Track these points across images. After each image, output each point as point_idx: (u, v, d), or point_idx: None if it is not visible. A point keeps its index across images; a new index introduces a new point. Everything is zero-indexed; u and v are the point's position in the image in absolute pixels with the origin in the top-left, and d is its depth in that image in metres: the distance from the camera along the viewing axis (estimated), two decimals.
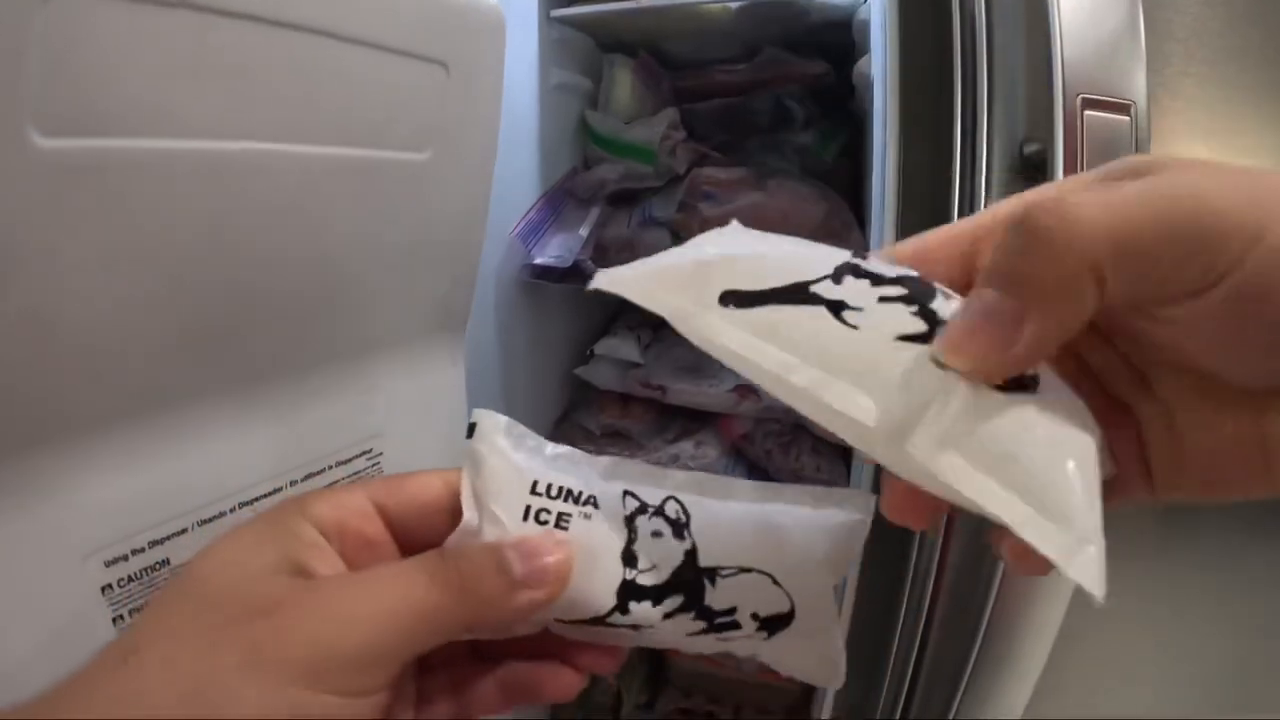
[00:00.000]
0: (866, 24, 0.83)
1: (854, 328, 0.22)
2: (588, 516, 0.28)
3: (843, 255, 0.25)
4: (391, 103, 0.45)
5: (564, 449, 0.30)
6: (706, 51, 1.20)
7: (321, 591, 0.25)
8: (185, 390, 0.41)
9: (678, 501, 0.29)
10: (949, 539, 0.57)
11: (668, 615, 0.28)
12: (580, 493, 0.29)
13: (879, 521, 0.69)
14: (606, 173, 1.10)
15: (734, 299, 0.23)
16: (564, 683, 0.30)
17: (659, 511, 0.29)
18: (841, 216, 1.04)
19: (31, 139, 0.28)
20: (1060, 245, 0.19)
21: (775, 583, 0.29)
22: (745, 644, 0.30)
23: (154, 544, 0.40)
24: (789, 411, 1.05)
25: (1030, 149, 0.46)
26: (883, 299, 0.23)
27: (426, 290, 0.55)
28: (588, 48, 1.14)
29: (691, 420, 1.08)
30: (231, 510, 0.44)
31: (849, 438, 0.22)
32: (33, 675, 0.25)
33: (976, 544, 0.55)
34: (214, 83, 0.35)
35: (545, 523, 0.28)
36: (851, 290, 0.23)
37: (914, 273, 0.24)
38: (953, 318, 0.22)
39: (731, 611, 0.29)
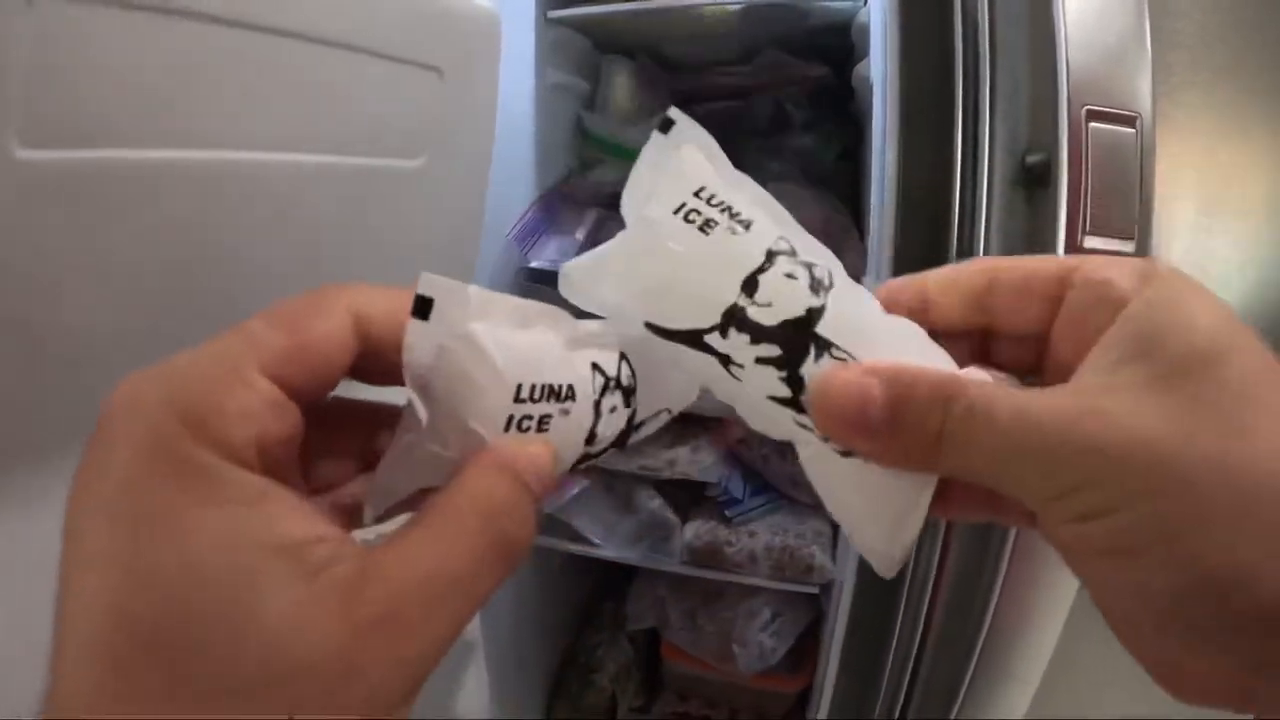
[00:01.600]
0: (866, 27, 0.82)
1: (738, 380, 0.27)
2: (566, 413, 0.27)
3: (738, 279, 0.27)
4: (385, 109, 0.45)
5: (518, 305, 0.26)
6: (705, 54, 1.19)
7: (367, 596, 0.19)
8: None
9: (628, 363, 0.29)
10: (947, 548, 0.57)
11: (613, 444, 0.30)
12: (561, 387, 0.26)
13: None
14: (603, 175, 1.10)
15: (653, 329, 0.27)
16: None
17: (617, 384, 0.29)
18: (840, 221, 1.03)
19: (13, 151, 0.28)
20: (949, 453, 0.22)
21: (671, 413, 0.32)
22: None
23: None
24: None
25: (1033, 159, 0.45)
26: (759, 360, 0.26)
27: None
28: (585, 49, 1.13)
29: (687, 426, 1.07)
30: None
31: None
32: (29, 692, 0.24)
33: (974, 553, 0.55)
34: (203, 92, 0.35)
35: (526, 429, 0.25)
36: (735, 346, 0.26)
37: (799, 309, 0.26)
38: (826, 390, 0.25)
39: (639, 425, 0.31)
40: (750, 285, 0.27)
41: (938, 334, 0.27)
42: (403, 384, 0.22)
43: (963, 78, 0.52)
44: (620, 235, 0.29)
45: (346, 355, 0.22)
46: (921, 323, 0.27)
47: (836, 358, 0.26)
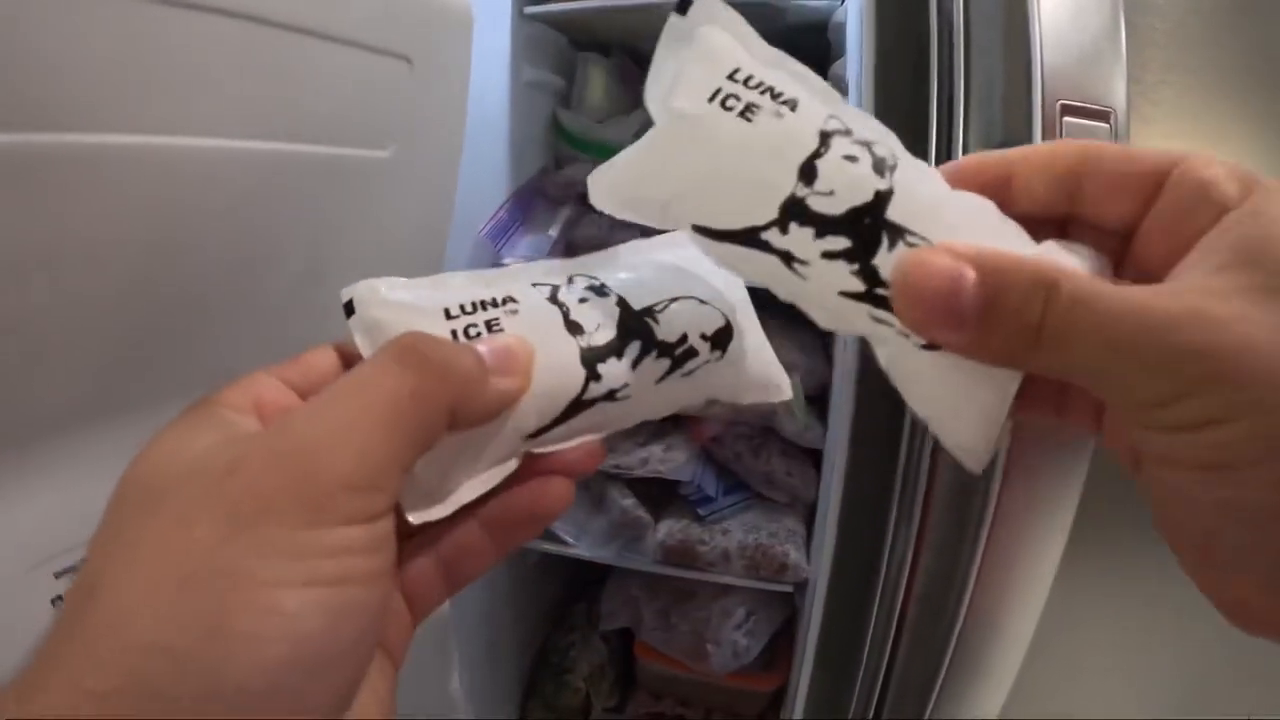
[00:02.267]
0: (843, 27, 0.83)
1: (803, 279, 0.25)
2: (514, 312, 0.27)
3: (794, 163, 0.24)
4: (351, 98, 0.43)
5: (444, 276, 0.28)
6: None
7: (285, 426, 0.21)
8: (137, 396, 0.39)
9: (583, 275, 0.30)
10: (920, 544, 0.57)
11: (635, 363, 0.28)
12: (494, 297, 0.27)
13: (850, 524, 0.69)
14: (577, 172, 1.09)
15: (703, 231, 0.25)
16: (554, 492, 0.28)
17: (571, 284, 0.29)
18: None
19: None
20: (1045, 341, 0.20)
21: (702, 302, 0.30)
22: (709, 374, 0.30)
23: None
24: (758, 415, 1.05)
25: None
26: (826, 254, 0.24)
27: None
28: (561, 45, 1.13)
29: (661, 423, 1.07)
30: None
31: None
32: None
33: (949, 550, 0.55)
34: (161, 75, 0.33)
35: (477, 335, 0.26)
36: (796, 240, 0.24)
37: (867, 194, 0.24)
38: (911, 278, 0.22)
39: (684, 339, 0.29)
40: (808, 172, 0.24)
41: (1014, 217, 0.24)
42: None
43: (938, 76, 0.52)
44: (650, 133, 0.27)
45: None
46: (1000, 203, 0.24)
47: (911, 244, 0.23)
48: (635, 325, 0.29)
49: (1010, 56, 0.47)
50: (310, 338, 0.48)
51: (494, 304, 0.27)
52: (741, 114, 0.25)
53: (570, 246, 1.05)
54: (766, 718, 1.17)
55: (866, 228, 0.24)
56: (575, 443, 0.29)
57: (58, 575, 0.36)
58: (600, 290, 0.29)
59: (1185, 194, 0.22)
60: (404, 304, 0.26)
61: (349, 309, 0.26)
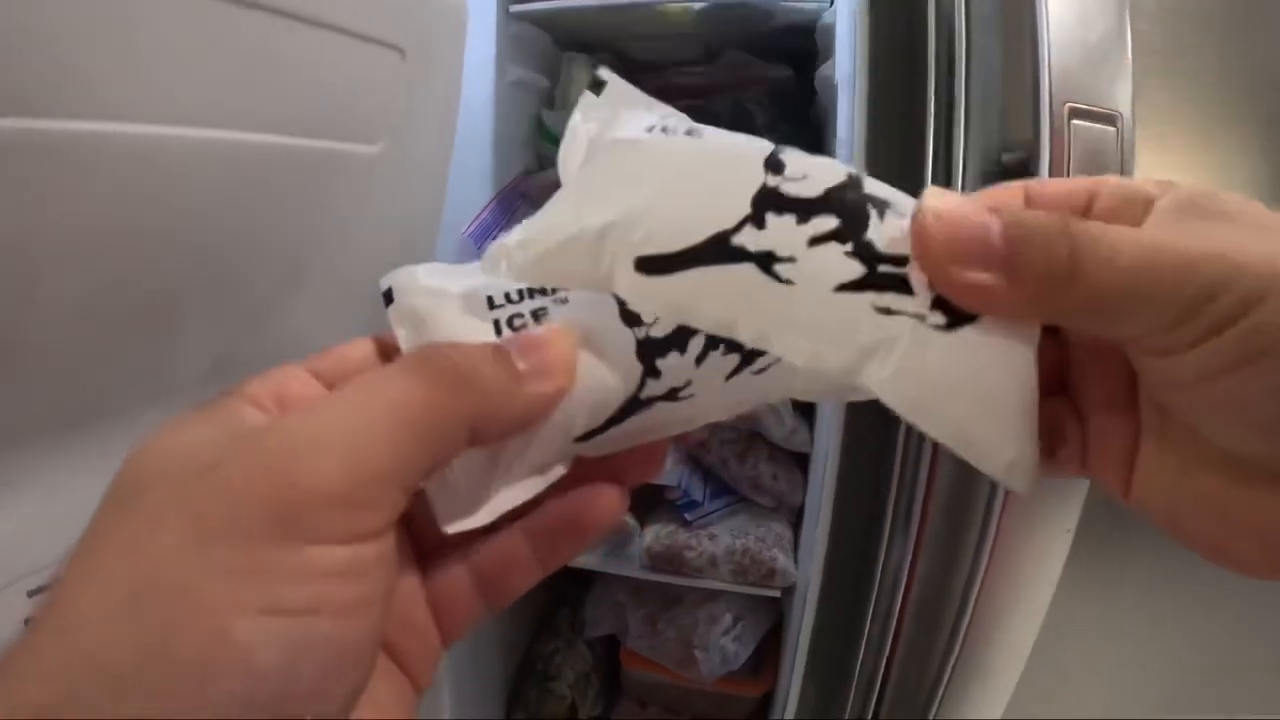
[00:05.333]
0: (831, 29, 0.82)
1: (789, 282, 0.22)
2: (564, 300, 0.24)
3: (757, 162, 0.22)
4: (340, 89, 0.42)
5: (472, 267, 0.26)
6: (667, 52, 1.18)
7: (277, 426, 0.19)
8: (113, 403, 0.37)
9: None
10: (919, 547, 0.56)
11: (700, 358, 0.24)
12: (546, 287, 0.24)
13: (841, 529, 0.68)
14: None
15: (650, 265, 0.22)
16: (606, 502, 0.25)
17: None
18: None
19: None
20: (1057, 274, 0.20)
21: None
22: (783, 373, 0.25)
23: None
24: (745, 420, 1.04)
25: (1009, 157, 0.45)
26: (813, 240, 0.22)
27: (375, 293, 0.51)
28: (546, 45, 1.12)
29: None
30: None
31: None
32: None
33: (948, 552, 0.54)
34: (141, 60, 0.32)
35: (522, 326, 0.24)
36: (777, 234, 0.22)
37: (840, 175, 0.22)
38: (933, 220, 0.21)
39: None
40: (775, 165, 0.22)
41: None
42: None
43: (935, 79, 0.52)
44: (578, 173, 0.25)
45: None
46: None
47: (901, 215, 0.22)
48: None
49: (1010, 58, 0.47)
50: (293, 337, 0.47)
51: (541, 292, 0.25)
52: (686, 134, 0.24)
53: None
54: None
55: (851, 203, 0.22)
56: (630, 446, 0.25)
57: (30, 594, 0.34)
58: None
59: (1117, 198, 0.23)
60: (444, 292, 0.25)
61: (388, 298, 0.25)
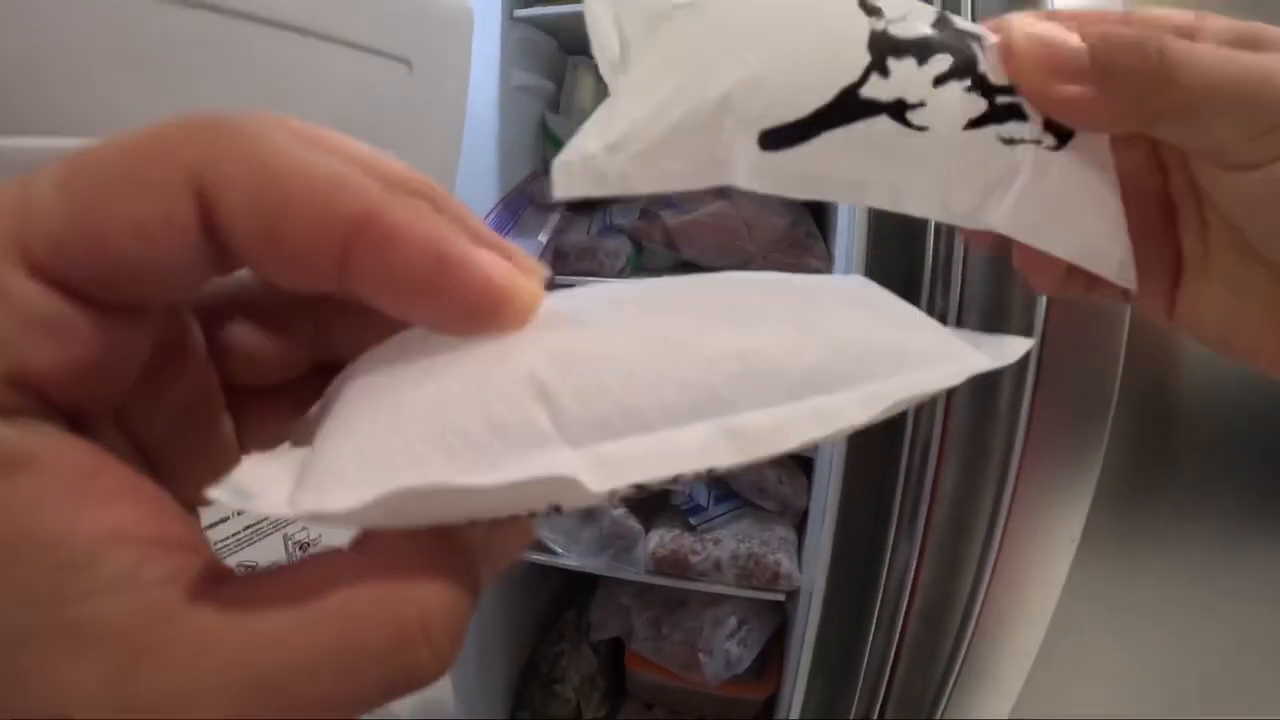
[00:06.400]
0: None
1: (923, 129, 0.21)
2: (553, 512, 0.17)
3: (851, 5, 0.21)
4: (348, 101, 0.42)
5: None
6: None
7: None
8: None
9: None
10: (924, 549, 0.56)
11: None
12: (533, 512, 0.15)
13: (846, 533, 0.68)
14: None
15: (776, 139, 0.19)
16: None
17: (673, 481, 0.16)
18: (806, 226, 1.03)
19: None
20: (1176, 69, 0.21)
21: None
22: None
23: None
24: None
25: None
26: (937, 80, 0.21)
27: None
28: (551, 49, 1.12)
29: None
30: None
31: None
32: None
33: (953, 555, 0.54)
34: (154, 77, 0.32)
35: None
36: (904, 79, 0.21)
37: (930, 11, 0.22)
38: (1032, 39, 0.22)
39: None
40: (869, 6, 0.21)
41: None
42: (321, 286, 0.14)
43: None
44: (644, 50, 0.20)
45: (178, 250, 0.13)
46: None
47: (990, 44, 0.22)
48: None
49: None
50: None
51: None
52: None
53: (559, 253, 1.04)
54: None
55: (955, 37, 0.21)
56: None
57: None
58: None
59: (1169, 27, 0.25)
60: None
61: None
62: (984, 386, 0.51)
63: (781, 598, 0.99)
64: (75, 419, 0.13)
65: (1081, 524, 0.47)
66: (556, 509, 0.15)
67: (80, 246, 0.12)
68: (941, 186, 0.22)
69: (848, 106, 0.20)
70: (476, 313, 0.14)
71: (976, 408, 0.51)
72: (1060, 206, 0.23)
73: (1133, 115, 0.22)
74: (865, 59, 0.20)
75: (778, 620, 1.11)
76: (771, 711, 1.12)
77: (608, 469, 0.14)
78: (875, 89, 0.20)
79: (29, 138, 0.29)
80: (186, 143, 0.13)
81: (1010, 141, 0.22)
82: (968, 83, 0.21)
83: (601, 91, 1.02)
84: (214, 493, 0.13)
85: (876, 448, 0.62)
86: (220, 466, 0.15)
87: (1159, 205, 0.26)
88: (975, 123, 0.22)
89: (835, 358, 0.17)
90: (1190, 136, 0.22)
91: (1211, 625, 0.51)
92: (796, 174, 0.20)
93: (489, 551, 0.15)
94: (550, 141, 1.12)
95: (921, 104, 0.21)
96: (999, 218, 0.22)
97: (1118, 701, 0.54)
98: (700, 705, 1.17)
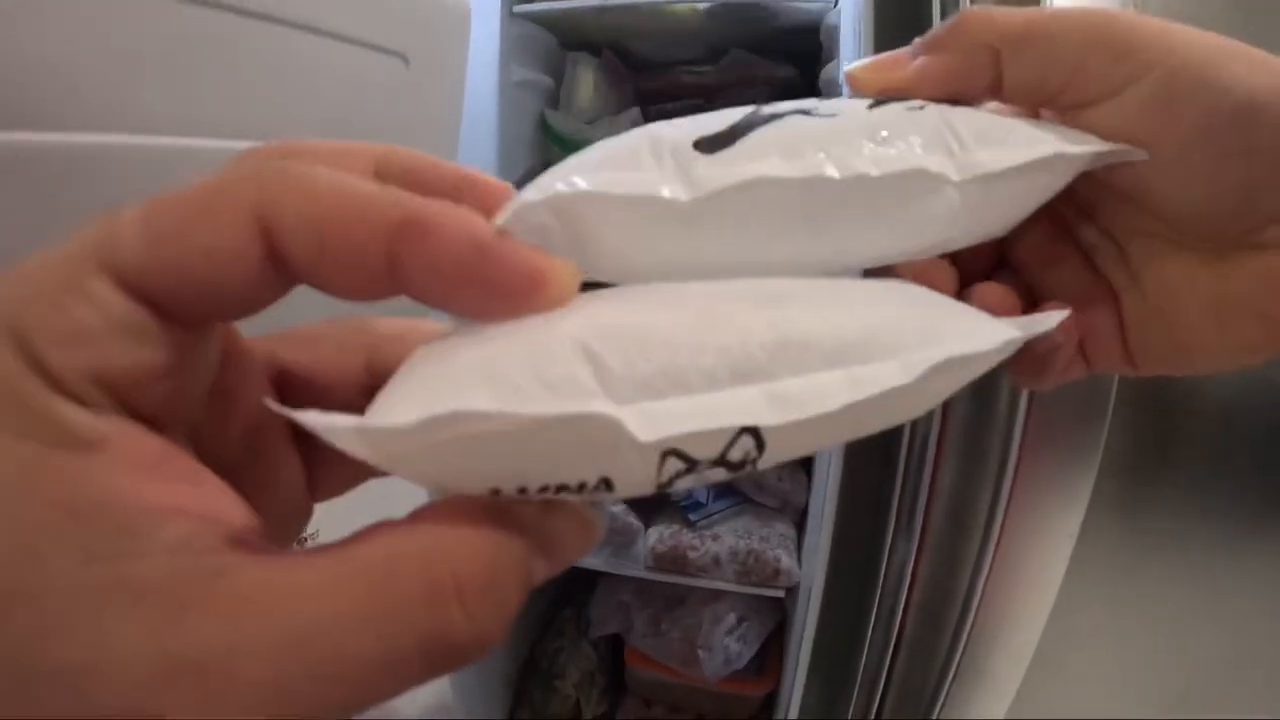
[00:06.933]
0: (835, 29, 0.82)
1: (832, 115, 0.22)
2: (595, 501, 0.17)
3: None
4: (345, 97, 0.42)
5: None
6: (672, 52, 1.18)
7: None
8: None
9: (753, 435, 0.16)
10: (922, 547, 0.56)
11: None
12: (579, 484, 0.16)
13: (845, 530, 0.68)
14: None
15: (709, 144, 0.20)
16: None
17: (720, 461, 0.16)
18: None
19: None
20: (967, 24, 0.24)
21: None
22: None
23: None
24: None
25: None
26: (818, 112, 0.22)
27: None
28: (550, 45, 1.12)
29: None
30: None
31: None
32: None
33: (951, 553, 0.54)
34: (151, 72, 0.32)
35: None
36: (791, 106, 0.22)
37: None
38: (856, 69, 0.25)
39: None
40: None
41: None
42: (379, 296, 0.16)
43: None
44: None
45: (244, 273, 0.15)
46: None
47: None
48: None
49: None
50: None
51: (569, 489, 0.16)
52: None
53: None
54: None
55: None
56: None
57: None
58: (736, 469, 0.17)
59: None
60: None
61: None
62: (982, 383, 0.51)
63: (781, 594, 1.00)
64: (149, 423, 0.15)
65: (1080, 520, 0.47)
66: (607, 484, 0.15)
67: (159, 270, 0.14)
68: (878, 148, 0.21)
69: (757, 116, 0.21)
70: (519, 292, 0.16)
71: (975, 404, 0.51)
72: (982, 134, 0.23)
73: (976, 56, 0.24)
74: (749, 109, 0.21)
75: (777, 616, 1.11)
76: (771, 708, 1.12)
77: (652, 420, 0.15)
78: (771, 109, 0.21)
79: (20, 133, 0.29)
80: (246, 184, 0.15)
81: (918, 109, 0.23)
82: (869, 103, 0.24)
83: (598, 87, 1.02)
84: (299, 415, 0.14)
85: (876, 445, 0.62)
86: (285, 502, 0.19)
87: (1079, 268, 0.27)
88: (878, 103, 0.23)
89: (870, 331, 0.17)
90: (1040, 65, 0.23)
91: (1209, 624, 0.51)
92: (745, 170, 0.20)
93: (543, 537, 0.16)
94: (550, 137, 1.12)
95: (817, 109, 0.22)
96: (942, 164, 0.21)
97: (1115, 698, 0.54)
98: (700, 702, 1.17)
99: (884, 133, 0.21)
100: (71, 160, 0.30)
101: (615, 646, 1.22)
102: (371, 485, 0.21)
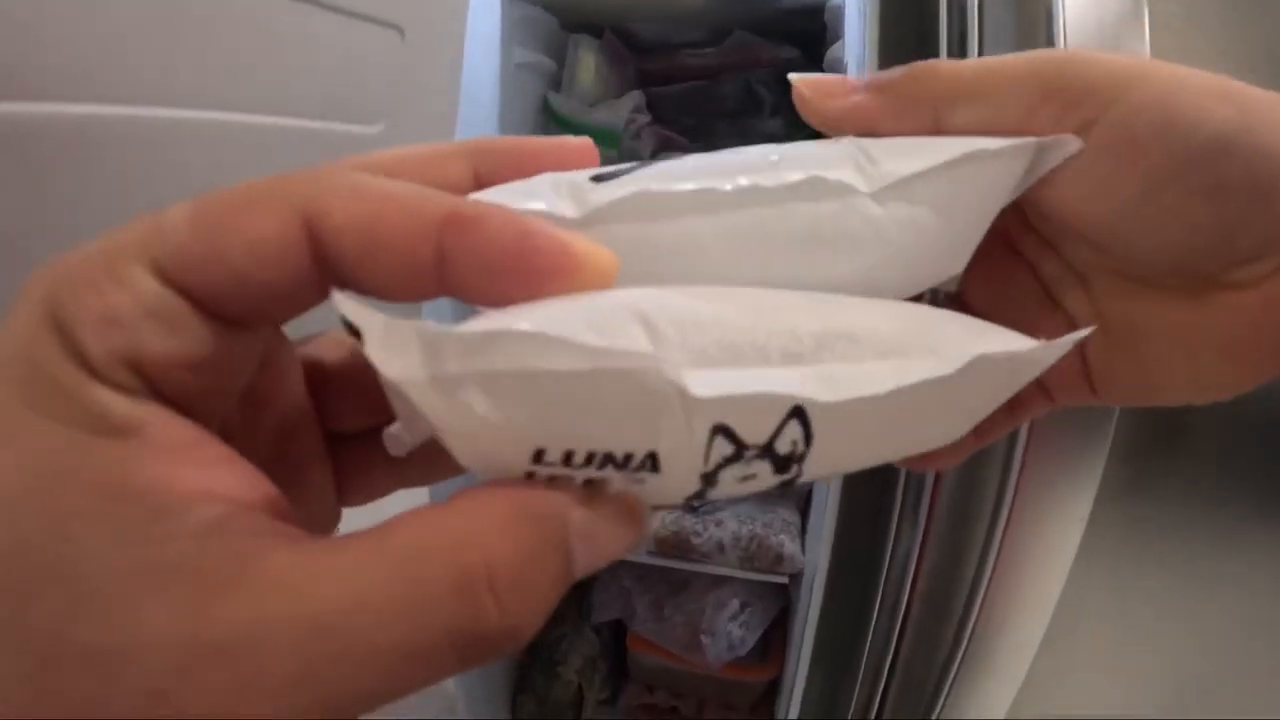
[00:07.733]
0: (840, 10, 0.81)
1: (734, 152, 0.21)
2: (639, 481, 0.16)
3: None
4: (339, 70, 0.41)
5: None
6: (674, 34, 1.17)
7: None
8: None
9: (801, 421, 0.16)
10: (927, 536, 0.56)
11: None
12: (625, 456, 0.15)
13: (849, 515, 0.68)
14: None
15: (602, 177, 0.20)
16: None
17: (766, 452, 0.16)
18: None
19: None
20: (914, 74, 0.23)
21: None
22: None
23: None
24: None
25: None
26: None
27: None
28: (551, 27, 1.10)
29: None
30: None
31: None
32: None
33: (957, 542, 0.54)
34: (143, 44, 0.31)
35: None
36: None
37: None
38: (801, 85, 0.24)
39: None
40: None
41: None
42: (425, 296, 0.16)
43: (947, 56, 0.50)
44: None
45: (287, 269, 0.15)
46: None
47: None
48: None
49: (1027, 38, 0.45)
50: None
51: (616, 463, 0.16)
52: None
53: None
54: (761, 709, 1.17)
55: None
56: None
57: None
58: (784, 467, 0.18)
59: None
60: (467, 409, 0.15)
61: (354, 333, 0.15)
62: None
63: (785, 580, 0.99)
64: (181, 411, 0.15)
65: (1089, 506, 0.46)
66: (653, 462, 0.15)
67: (202, 262, 0.14)
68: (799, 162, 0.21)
69: (657, 158, 0.22)
70: (567, 271, 0.15)
71: None
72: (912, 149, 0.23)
73: (914, 103, 0.23)
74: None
75: (781, 603, 1.11)
76: (774, 694, 1.12)
77: (703, 381, 0.15)
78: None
79: (14, 103, 0.28)
80: (295, 182, 0.15)
81: (833, 142, 0.23)
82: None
83: (600, 69, 1.01)
84: (346, 302, 0.14)
85: None
86: (314, 508, 0.20)
87: (1038, 301, 0.27)
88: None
89: (911, 331, 0.18)
90: (986, 123, 0.22)
91: (1219, 614, 0.50)
92: (637, 181, 0.20)
93: (584, 526, 0.15)
94: (552, 120, 1.11)
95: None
96: (854, 179, 0.21)
97: (1122, 689, 0.54)
98: (702, 687, 1.17)
99: (774, 157, 0.21)
100: (63, 131, 0.30)
101: (618, 632, 1.22)
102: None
